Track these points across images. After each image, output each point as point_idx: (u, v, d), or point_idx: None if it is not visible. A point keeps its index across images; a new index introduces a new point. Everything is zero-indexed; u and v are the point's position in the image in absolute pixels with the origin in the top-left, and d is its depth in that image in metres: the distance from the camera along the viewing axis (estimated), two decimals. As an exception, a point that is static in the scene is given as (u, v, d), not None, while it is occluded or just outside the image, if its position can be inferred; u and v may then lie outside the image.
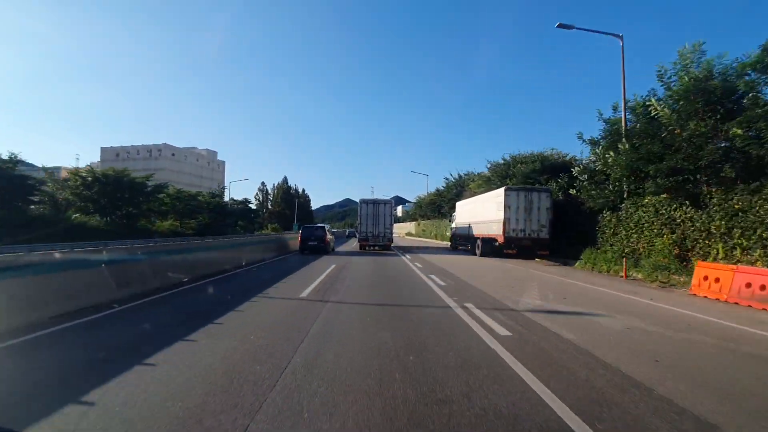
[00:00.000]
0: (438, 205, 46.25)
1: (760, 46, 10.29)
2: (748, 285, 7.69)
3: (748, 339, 5.33)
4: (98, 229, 28.92)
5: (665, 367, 4.07)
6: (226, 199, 62.31)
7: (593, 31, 15.64)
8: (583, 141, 16.92)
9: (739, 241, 9.78)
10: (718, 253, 10.27)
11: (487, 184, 27.27)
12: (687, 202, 11.46)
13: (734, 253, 9.86)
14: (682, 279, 10.41)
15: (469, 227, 22.25)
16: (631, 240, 13.52)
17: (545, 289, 9.38)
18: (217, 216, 45.68)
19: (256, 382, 3.42)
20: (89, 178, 30.53)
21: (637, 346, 4.82)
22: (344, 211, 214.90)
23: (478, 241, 20.27)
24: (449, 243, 32.80)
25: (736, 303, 7.78)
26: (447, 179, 44.76)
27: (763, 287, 7.38)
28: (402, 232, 68.27)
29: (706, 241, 10.79)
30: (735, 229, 9.94)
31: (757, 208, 9.47)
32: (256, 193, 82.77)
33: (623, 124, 14.66)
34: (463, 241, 24.10)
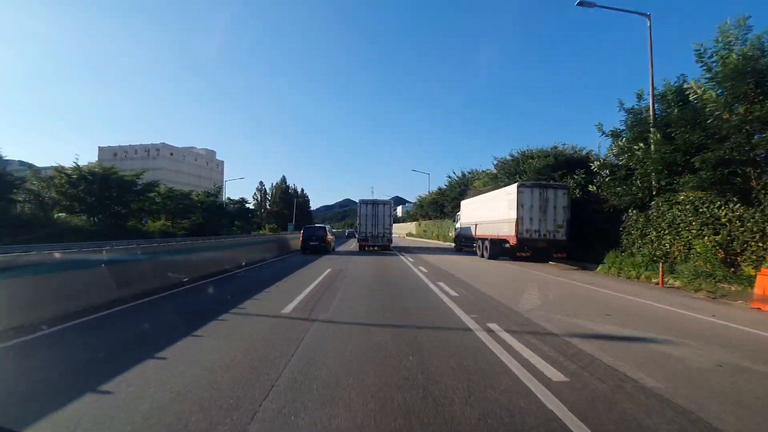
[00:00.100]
0: (440, 205, 44.68)
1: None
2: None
3: None
4: (82, 229, 27.42)
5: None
6: (224, 198, 61.01)
7: (617, 9, 14.14)
8: (603, 133, 15.38)
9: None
10: (776, 257, 8.77)
11: (493, 181, 25.77)
12: (735, 199, 9.95)
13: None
14: (733, 288, 8.89)
15: (476, 227, 20.74)
16: (664, 242, 12.00)
17: (578, 301, 7.87)
18: (212, 216, 44.15)
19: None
20: (74, 176, 29.04)
21: (755, 400, 3.31)
22: (344, 211, 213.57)
23: (486, 243, 18.77)
24: (453, 244, 31.42)
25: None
26: (450, 177, 43.25)
27: None
28: (402, 232, 66.81)
29: (760, 244, 9.27)
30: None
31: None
32: (254, 193, 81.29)
33: (651, 112, 13.16)
34: (469, 242, 22.61)
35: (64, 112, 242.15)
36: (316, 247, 20.76)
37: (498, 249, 18.03)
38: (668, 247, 11.83)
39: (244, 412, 2.86)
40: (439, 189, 46.72)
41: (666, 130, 12.35)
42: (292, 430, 2.65)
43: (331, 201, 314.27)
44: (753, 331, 5.68)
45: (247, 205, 60.07)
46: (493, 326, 5.47)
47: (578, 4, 13.70)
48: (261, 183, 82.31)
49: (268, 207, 79.42)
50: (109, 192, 30.23)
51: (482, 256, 19.35)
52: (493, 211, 18.24)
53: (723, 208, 10.20)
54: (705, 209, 10.67)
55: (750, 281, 8.51)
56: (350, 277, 10.97)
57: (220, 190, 50.83)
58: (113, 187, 30.41)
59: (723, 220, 10.15)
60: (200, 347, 4.48)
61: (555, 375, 3.68)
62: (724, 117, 9.69)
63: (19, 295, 5.28)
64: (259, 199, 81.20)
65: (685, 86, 11.75)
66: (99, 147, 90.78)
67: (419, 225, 56.81)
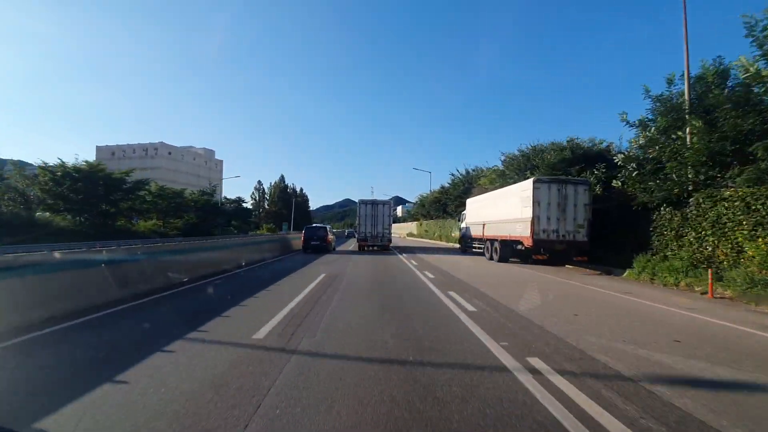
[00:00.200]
0: (443, 204, 43.09)
1: None
2: None
3: None
4: (65, 229, 25.95)
5: None
6: (222, 197, 59.51)
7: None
8: (627, 123, 13.92)
9: None
10: None
11: (501, 178, 24.27)
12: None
13: None
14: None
15: (483, 227, 19.22)
16: (705, 244, 10.48)
17: (627, 318, 6.36)
18: (206, 215, 42.65)
19: None
20: (59, 173, 27.55)
21: None
22: (344, 211, 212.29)
23: (496, 244, 17.26)
24: (456, 244, 30.01)
25: None
26: (453, 175, 41.61)
27: None
28: (403, 232, 65.36)
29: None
30: None
31: None
32: (252, 192, 79.87)
33: (687, 97, 11.66)
34: (475, 243, 21.09)
35: (64, 111, 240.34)
36: (318, 247, 21.06)
37: (509, 251, 16.53)
38: (711, 250, 10.32)
39: None
40: (442, 187, 45.13)
41: (706, 117, 10.86)
42: None
43: (330, 201, 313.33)
44: None
45: (245, 205, 58.64)
46: (537, 363, 3.97)
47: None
48: (259, 182, 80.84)
49: (266, 207, 78.00)
50: (96, 190, 28.76)
51: (491, 258, 17.85)
52: (504, 210, 16.72)
53: (784, 204, 8.70)
54: (759, 206, 9.15)
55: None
56: (347, 283, 9.47)
57: (215, 188, 49.24)
58: (100, 185, 28.91)
59: (784, 218, 8.65)
60: (122, 401, 2.98)
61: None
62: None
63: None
64: (257, 198, 79.81)
65: (731, 65, 10.27)
66: (96, 146, 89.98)
67: (420, 225, 55.28)
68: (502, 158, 25.08)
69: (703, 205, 10.61)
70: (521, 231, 14.75)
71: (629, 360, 4.19)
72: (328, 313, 6.30)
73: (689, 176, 11.24)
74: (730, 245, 9.79)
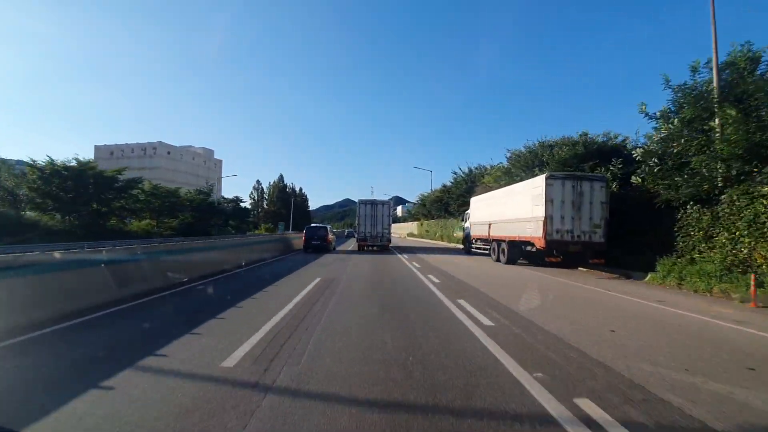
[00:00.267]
0: (445, 203, 42.03)
1: None
2: None
3: None
4: (53, 229, 24.95)
5: None
6: (220, 197, 58.53)
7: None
8: (647, 115, 12.95)
9: None
10: None
11: (506, 176, 23.27)
12: None
13: None
14: None
15: (489, 227, 18.22)
16: (741, 246, 9.48)
17: (680, 338, 5.36)
18: (202, 215, 41.66)
19: None
20: (47, 171, 26.56)
21: None
22: (344, 211, 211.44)
23: (503, 245, 16.26)
24: (458, 245, 29.11)
25: None
26: (455, 174, 40.51)
27: None
28: (403, 232, 64.36)
29: None
30: None
31: None
32: (251, 192, 78.86)
33: (715, 84, 10.67)
34: (480, 244, 20.10)
35: (64, 111, 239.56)
36: (318, 246, 21.45)
37: (517, 252, 15.54)
38: (747, 252, 9.32)
39: None
40: (444, 186, 44.07)
41: (739, 106, 9.87)
42: None
43: (330, 201, 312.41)
44: None
45: (243, 204, 57.60)
46: (589, 408, 2.98)
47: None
48: (258, 182, 79.78)
49: (265, 206, 77.03)
50: (86, 189, 27.77)
51: (498, 260, 16.86)
52: (512, 209, 15.72)
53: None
54: (807, 204, 8.15)
55: None
56: (342, 289, 8.47)
57: (212, 187, 48.23)
58: (91, 184, 27.94)
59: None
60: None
61: None
62: None
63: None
64: (256, 198, 78.86)
65: (764, 49, 9.28)
66: (95, 146, 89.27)
67: (421, 225, 54.24)
68: (508, 155, 24.08)
69: (737, 203, 9.60)
70: (532, 231, 13.75)
71: (708, 402, 3.19)
72: (319, 328, 5.30)
73: (720, 171, 10.25)
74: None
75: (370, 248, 23.34)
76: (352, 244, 28.54)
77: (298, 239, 24.36)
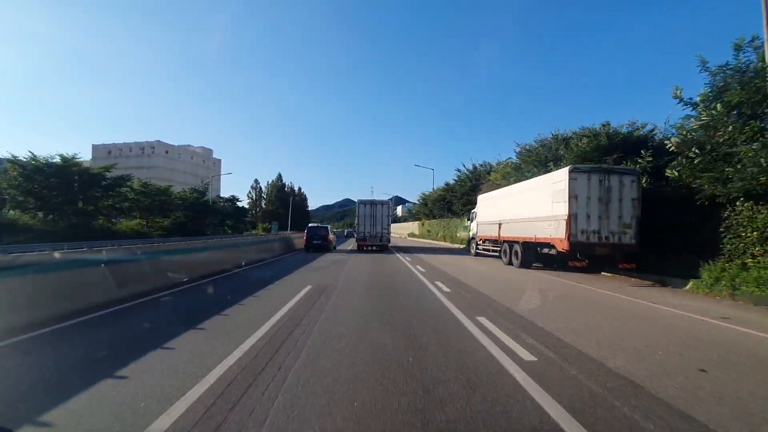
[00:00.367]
0: (448, 202, 40.48)
1: None
2: None
3: None
4: (34, 228, 23.50)
5: None
6: (216, 196, 57.08)
7: None
8: (682, 101, 11.47)
9: None
10: None
11: (516, 172, 21.77)
12: None
13: None
14: None
15: (500, 227, 16.74)
16: (809, 249, 7.99)
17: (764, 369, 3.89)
18: (196, 214, 40.23)
19: None
20: (29, 168, 25.13)
21: None
22: (343, 211, 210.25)
23: (516, 247, 14.78)
24: (461, 245, 27.72)
25: None
26: (459, 171, 38.91)
27: None
28: (403, 232, 62.93)
29: None
30: None
31: None
32: (249, 191, 77.46)
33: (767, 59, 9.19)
34: (489, 245, 18.61)
35: (64, 111, 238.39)
36: (319, 246, 21.97)
37: (533, 255, 14.06)
38: (817, 256, 7.84)
39: None
40: (447, 185, 42.51)
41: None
42: None
43: (330, 201, 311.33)
44: None
45: (240, 204, 56.11)
46: None
47: None
48: (256, 181, 78.51)
49: (263, 206, 75.64)
50: (71, 186, 26.32)
51: (509, 263, 15.39)
52: (527, 207, 14.23)
53: None
54: None
55: None
56: (336, 298, 6.97)
57: (207, 186, 46.74)
58: (75, 181, 26.48)
59: None
60: None
61: None
62: None
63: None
64: (254, 197, 77.48)
65: None
66: (93, 145, 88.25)
67: (422, 224, 52.72)
68: (517, 149, 22.53)
69: (804, 199, 8.12)
70: (551, 231, 12.25)
71: None
72: (295, 368, 3.81)
73: (779, 162, 8.75)
74: None
75: (370, 248, 23.28)
76: (351, 244, 28.79)
77: (298, 239, 24.68)
